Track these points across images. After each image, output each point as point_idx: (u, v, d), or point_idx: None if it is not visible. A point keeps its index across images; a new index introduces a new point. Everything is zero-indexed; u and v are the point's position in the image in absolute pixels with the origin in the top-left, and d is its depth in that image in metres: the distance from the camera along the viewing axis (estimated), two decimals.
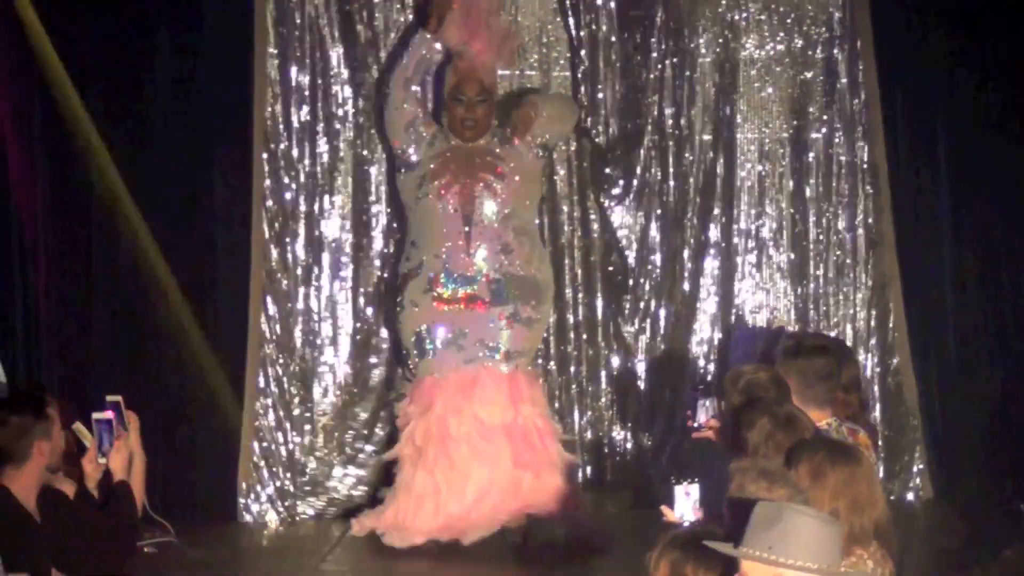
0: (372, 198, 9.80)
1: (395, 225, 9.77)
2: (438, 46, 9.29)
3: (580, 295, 9.96)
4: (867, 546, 5.14)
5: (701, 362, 9.83)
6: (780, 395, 6.36)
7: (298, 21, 9.72)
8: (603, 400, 9.96)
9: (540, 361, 9.89)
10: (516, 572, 8.79)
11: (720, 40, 9.81)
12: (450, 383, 9.06)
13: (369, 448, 9.82)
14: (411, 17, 9.58)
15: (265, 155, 9.69)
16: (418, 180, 9.15)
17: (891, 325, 9.77)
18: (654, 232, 9.89)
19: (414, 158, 9.21)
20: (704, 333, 9.87)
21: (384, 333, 9.84)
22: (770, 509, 4.20)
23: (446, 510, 8.96)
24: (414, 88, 9.29)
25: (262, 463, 9.68)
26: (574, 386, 9.97)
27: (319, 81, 9.76)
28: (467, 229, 9.07)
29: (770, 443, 5.78)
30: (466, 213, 9.07)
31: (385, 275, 9.81)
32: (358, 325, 9.83)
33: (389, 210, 9.76)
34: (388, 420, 9.70)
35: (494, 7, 9.34)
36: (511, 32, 9.46)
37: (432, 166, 9.13)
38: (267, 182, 9.70)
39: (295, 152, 9.76)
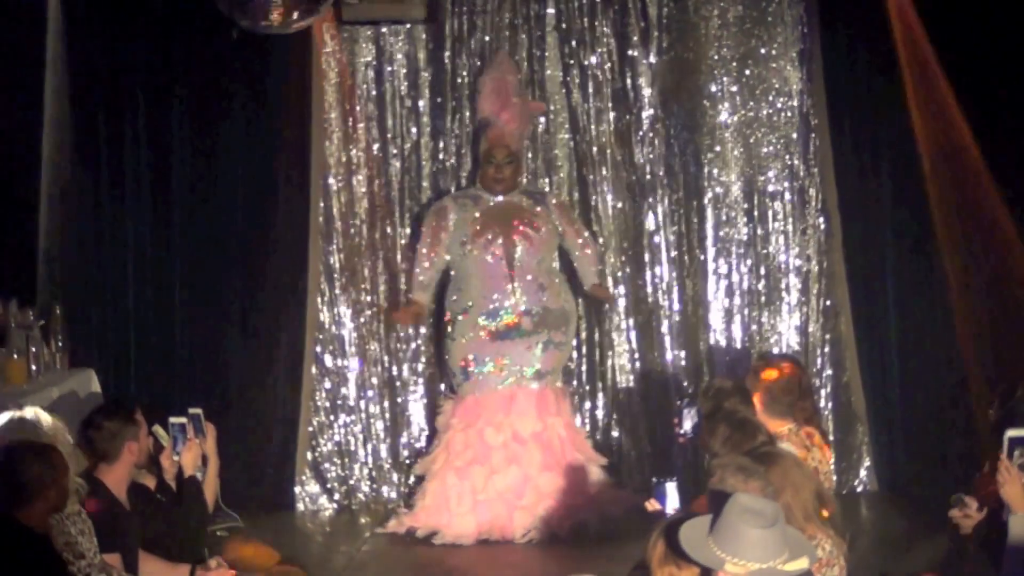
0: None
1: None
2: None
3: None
4: (819, 523, 5.21)
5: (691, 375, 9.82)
6: (742, 399, 6.38)
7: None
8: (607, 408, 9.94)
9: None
10: (550, 560, 8.66)
11: (700, 107, 9.83)
12: (490, 400, 9.14)
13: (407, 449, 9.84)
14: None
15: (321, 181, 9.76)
16: (462, 239, 9.23)
17: (842, 345, 9.75)
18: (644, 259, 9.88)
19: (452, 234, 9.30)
20: (693, 350, 9.87)
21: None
22: (730, 515, 4.20)
23: (484, 509, 8.99)
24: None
25: (317, 458, 9.72)
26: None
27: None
28: (510, 272, 9.12)
29: (728, 444, 5.79)
30: (508, 259, 9.13)
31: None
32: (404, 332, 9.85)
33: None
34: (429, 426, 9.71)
35: (517, 86, 9.42)
36: (532, 107, 9.52)
37: (477, 227, 9.21)
38: (321, 204, 9.76)
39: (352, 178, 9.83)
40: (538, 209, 9.32)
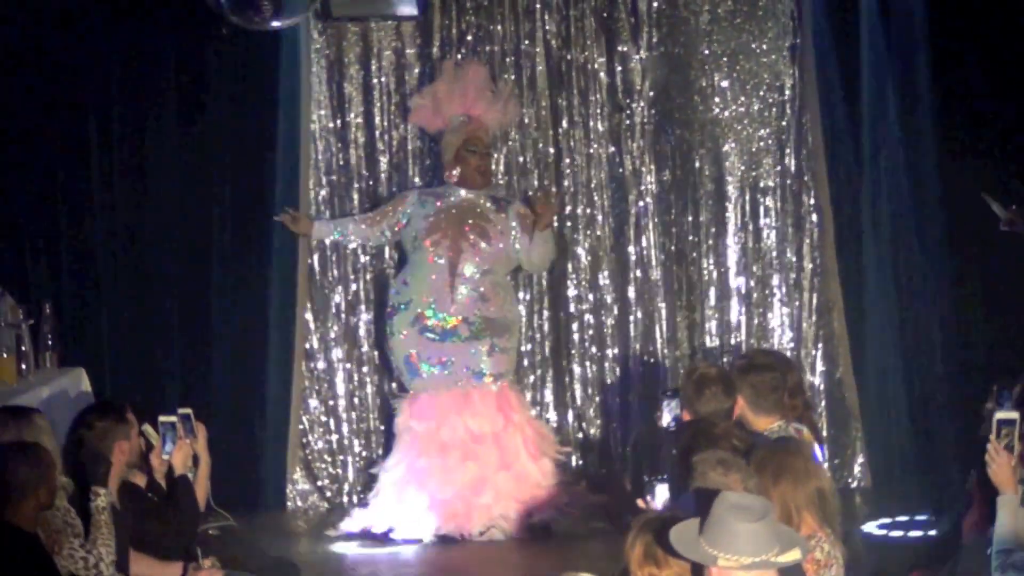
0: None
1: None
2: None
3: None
4: (819, 522, 5.18)
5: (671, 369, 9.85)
6: (725, 389, 6.39)
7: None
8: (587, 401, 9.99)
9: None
10: (543, 558, 8.68)
11: (691, 103, 9.87)
12: (444, 399, 9.11)
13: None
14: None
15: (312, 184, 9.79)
16: (414, 233, 9.23)
17: (835, 342, 9.80)
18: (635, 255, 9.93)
19: (406, 227, 9.30)
20: (676, 344, 9.93)
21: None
22: (719, 512, 4.24)
23: (440, 505, 8.99)
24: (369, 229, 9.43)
25: (308, 456, 9.77)
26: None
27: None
28: (452, 279, 9.10)
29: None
30: (452, 265, 9.11)
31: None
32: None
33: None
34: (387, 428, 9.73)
35: (486, 76, 9.40)
36: (509, 97, 9.48)
37: (427, 223, 9.20)
38: (311, 205, 9.80)
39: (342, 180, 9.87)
40: (501, 216, 9.25)
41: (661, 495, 6.09)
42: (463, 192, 9.27)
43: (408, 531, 8.96)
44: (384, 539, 9.00)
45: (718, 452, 5.13)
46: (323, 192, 9.83)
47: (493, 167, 9.54)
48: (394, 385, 9.62)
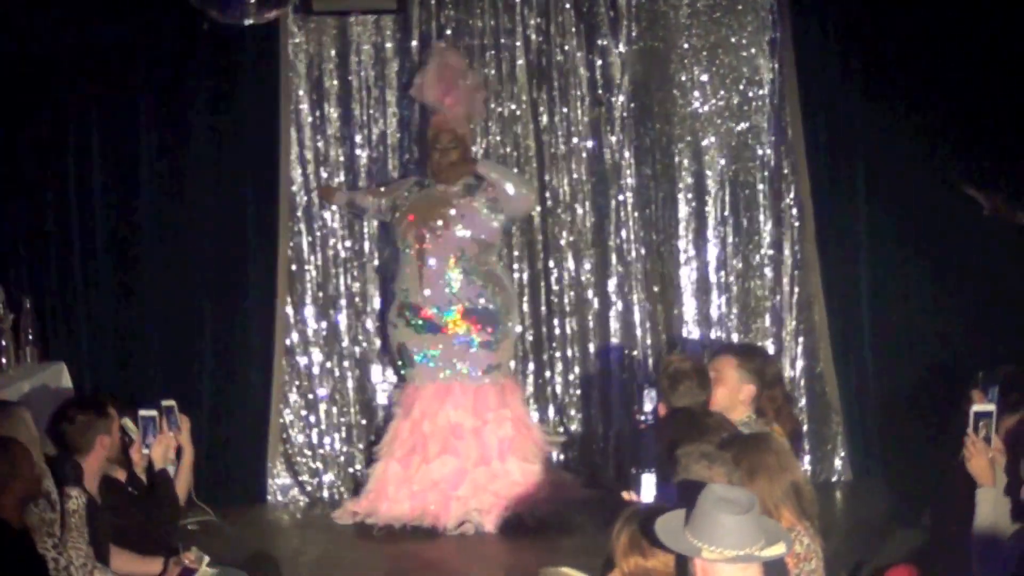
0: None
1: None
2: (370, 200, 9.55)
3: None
4: (796, 515, 5.22)
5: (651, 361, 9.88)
6: (700, 382, 6.40)
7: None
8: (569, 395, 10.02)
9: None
10: (523, 552, 8.67)
11: (671, 97, 9.90)
12: (428, 391, 9.14)
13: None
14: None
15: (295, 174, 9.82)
16: (395, 223, 9.29)
17: (816, 336, 9.82)
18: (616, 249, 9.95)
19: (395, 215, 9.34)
20: (657, 337, 9.95)
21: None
22: (705, 504, 4.27)
23: (418, 497, 9.02)
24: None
25: (288, 451, 9.78)
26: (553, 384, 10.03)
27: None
28: (421, 270, 9.10)
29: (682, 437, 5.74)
30: (420, 256, 9.12)
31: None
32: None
33: None
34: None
35: (464, 67, 9.37)
36: (478, 88, 9.45)
37: (398, 214, 9.25)
38: (293, 191, 9.83)
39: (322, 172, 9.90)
40: (465, 199, 9.16)
41: (646, 487, 6.10)
42: (438, 183, 9.28)
43: (387, 522, 9.00)
44: (365, 530, 9.03)
45: (702, 446, 5.14)
46: (300, 190, 9.83)
47: (464, 158, 9.39)
48: (402, 373, 9.61)
